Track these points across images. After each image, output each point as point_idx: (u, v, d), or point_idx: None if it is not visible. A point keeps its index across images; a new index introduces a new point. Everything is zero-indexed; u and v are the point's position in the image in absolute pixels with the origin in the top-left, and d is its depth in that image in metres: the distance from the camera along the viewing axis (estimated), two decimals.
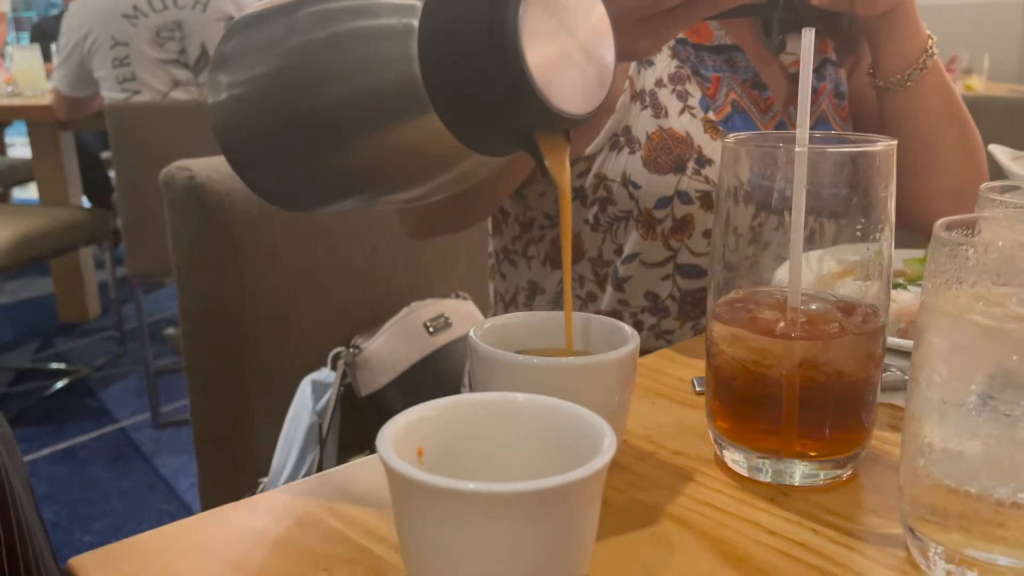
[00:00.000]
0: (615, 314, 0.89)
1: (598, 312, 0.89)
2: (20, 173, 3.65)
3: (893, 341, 0.63)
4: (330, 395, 1.05)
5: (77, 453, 2.36)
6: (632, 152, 0.85)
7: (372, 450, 1.16)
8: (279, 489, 0.48)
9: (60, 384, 2.80)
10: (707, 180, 0.84)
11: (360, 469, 0.51)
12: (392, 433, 0.37)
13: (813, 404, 0.48)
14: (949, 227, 0.39)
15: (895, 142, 0.48)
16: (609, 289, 0.90)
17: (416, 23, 0.43)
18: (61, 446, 2.39)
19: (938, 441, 0.38)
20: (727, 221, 0.50)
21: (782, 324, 0.48)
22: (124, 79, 2.37)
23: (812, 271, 0.51)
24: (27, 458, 2.31)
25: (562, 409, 0.39)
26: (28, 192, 3.88)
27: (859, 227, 0.49)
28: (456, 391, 1.07)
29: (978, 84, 2.97)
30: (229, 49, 0.51)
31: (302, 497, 0.48)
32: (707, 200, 0.85)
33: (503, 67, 0.40)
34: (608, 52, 0.46)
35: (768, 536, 0.44)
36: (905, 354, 0.65)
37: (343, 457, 1.13)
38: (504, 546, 0.33)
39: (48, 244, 2.46)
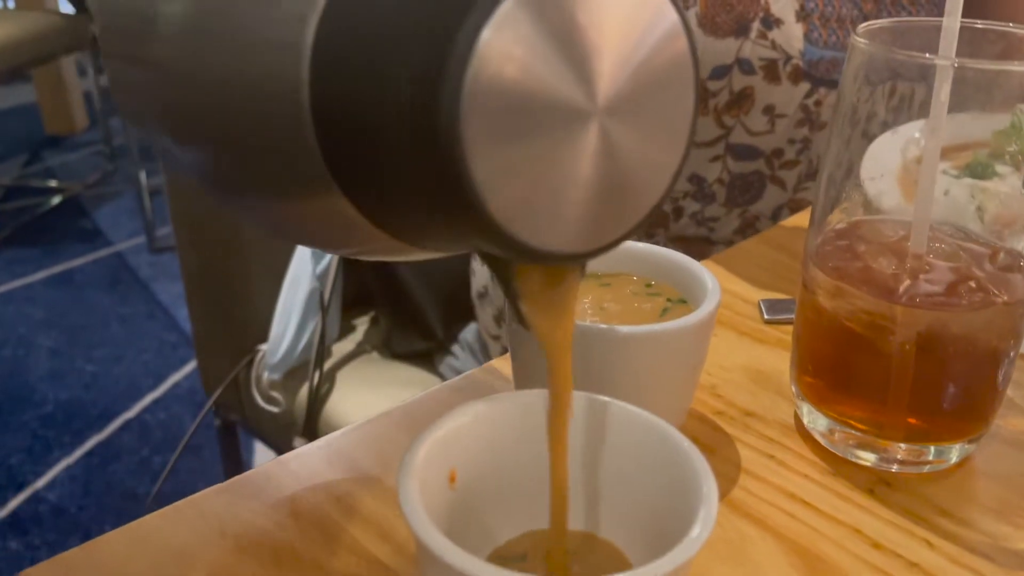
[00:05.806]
0: None
1: None
2: None
3: None
4: (331, 257, 0.96)
5: (73, 277, 2.30)
6: (685, 7, 0.70)
7: (375, 312, 1.05)
8: (241, 477, 0.40)
9: (52, 202, 2.71)
10: (774, 45, 0.70)
11: (366, 432, 0.43)
12: (417, 464, 0.28)
13: (931, 377, 0.39)
14: None
15: None
16: None
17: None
18: (56, 269, 2.32)
19: None
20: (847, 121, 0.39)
21: (907, 283, 0.37)
22: None
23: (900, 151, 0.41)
24: (23, 281, 2.26)
25: (650, 427, 0.30)
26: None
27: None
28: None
29: None
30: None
31: (270, 482, 0.40)
32: (772, 70, 0.70)
33: (432, 160, 0.21)
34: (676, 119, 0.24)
35: (872, 551, 0.36)
36: None
37: (346, 321, 1.06)
38: None
39: (25, 53, 2.28)
